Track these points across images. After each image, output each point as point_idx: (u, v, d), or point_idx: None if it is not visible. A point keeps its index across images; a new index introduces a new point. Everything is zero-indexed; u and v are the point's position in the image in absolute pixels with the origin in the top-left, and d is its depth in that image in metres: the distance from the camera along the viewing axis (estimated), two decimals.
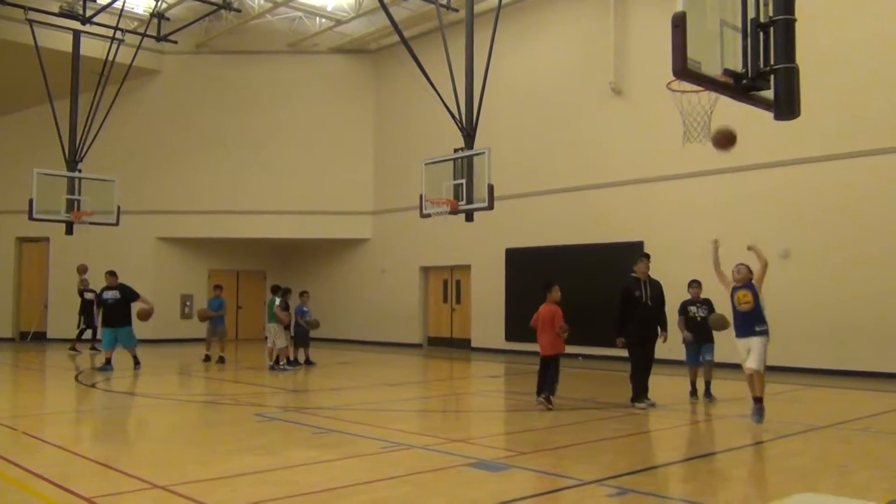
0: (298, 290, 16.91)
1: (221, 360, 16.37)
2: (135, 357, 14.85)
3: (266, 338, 15.79)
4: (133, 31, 20.13)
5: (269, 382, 13.33)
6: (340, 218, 23.84)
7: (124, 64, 19.12)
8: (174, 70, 23.77)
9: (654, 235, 16.55)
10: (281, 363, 15.11)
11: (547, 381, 9.99)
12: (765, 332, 8.39)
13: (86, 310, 18.64)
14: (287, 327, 15.38)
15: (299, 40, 23.07)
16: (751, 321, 8.41)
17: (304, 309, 15.92)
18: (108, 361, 14.38)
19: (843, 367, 13.88)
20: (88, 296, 18.58)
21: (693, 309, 10.74)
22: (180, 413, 10.29)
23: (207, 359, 16.51)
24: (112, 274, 14.98)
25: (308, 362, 15.98)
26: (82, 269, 18.87)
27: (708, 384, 10.76)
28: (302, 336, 15.97)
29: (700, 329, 10.54)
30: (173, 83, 23.79)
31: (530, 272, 18.94)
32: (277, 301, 15.32)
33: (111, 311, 14.68)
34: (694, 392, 10.76)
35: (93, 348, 18.09)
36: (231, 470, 6.39)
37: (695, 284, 10.89)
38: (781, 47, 5.54)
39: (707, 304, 10.73)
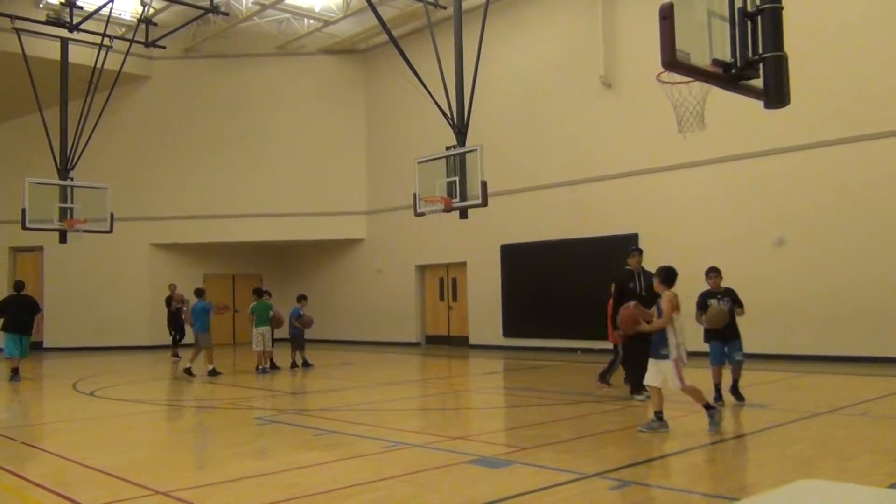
0: (296, 292, 16.93)
1: (188, 371, 14.68)
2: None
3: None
4: (121, 38, 20.03)
5: (267, 385, 13.32)
6: (334, 219, 23.82)
7: (113, 70, 19.04)
8: (163, 75, 23.69)
9: (648, 227, 16.56)
10: (268, 364, 15.28)
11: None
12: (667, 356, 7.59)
13: (172, 320, 19.06)
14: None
15: (288, 42, 23.03)
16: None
17: (301, 312, 15.96)
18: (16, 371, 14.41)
19: (839, 352, 13.93)
20: (174, 307, 19.02)
21: (714, 302, 9.06)
22: (179, 419, 10.28)
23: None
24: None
25: (306, 364, 15.99)
26: (174, 289, 19.25)
27: (735, 382, 9.27)
28: (297, 338, 16.03)
29: (725, 324, 8.98)
30: (163, 88, 23.72)
31: (526, 268, 19.00)
32: (273, 306, 15.62)
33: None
34: (719, 397, 9.15)
35: (174, 355, 18.52)
36: (231, 474, 6.38)
37: (713, 273, 9.36)
38: (769, 36, 5.54)
39: (730, 294, 9.25)
